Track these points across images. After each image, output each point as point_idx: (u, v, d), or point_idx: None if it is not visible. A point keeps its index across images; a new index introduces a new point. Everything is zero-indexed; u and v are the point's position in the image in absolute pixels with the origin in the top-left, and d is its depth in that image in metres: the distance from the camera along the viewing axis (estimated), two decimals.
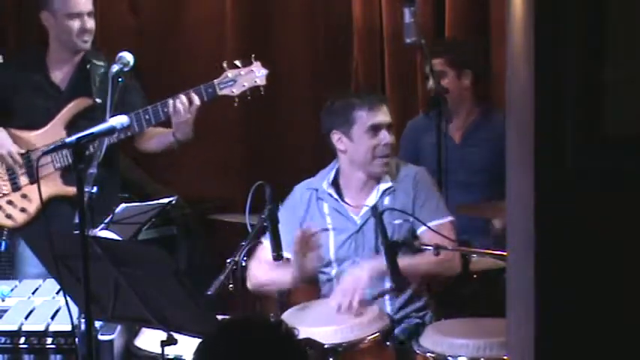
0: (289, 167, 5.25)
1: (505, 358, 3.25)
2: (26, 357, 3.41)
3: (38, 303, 3.61)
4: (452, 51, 4.68)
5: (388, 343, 3.54)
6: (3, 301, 3.67)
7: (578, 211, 1.82)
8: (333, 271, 3.89)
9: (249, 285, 3.87)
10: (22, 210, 4.30)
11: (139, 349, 3.46)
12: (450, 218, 3.83)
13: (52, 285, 3.70)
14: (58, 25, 4.31)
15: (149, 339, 3.39)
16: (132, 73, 4.26)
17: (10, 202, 4.32)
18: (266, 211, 3.43)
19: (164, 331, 2.96)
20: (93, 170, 3.75)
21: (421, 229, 3.73)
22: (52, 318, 3.46)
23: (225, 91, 4.19)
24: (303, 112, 5.38)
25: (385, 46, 5.27)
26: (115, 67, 4.01)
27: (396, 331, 3.72)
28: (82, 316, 2.95)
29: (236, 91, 4.20)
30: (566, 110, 1.81)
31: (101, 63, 4.33)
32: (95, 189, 3.66)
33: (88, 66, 4.34)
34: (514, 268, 2.10)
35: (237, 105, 4.23)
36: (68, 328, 3.16)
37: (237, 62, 4.21)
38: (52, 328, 3.40)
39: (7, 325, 3.43)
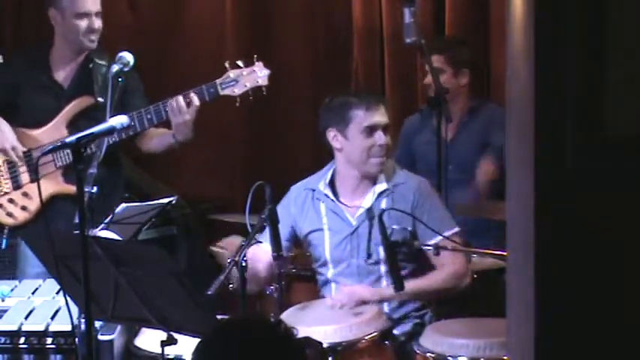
0: (289, 167, 5.25)
1: (505, 358, 3.25)
2: (26, 357, 3.41)
3: (38, 303, 3.61)
4: (451, 49, 4.69)
5: (387, 342, 3.54)
6: (3, 301, 3.67)
7: (578, 211, 1.82)
8: (329, 272, 3.90)
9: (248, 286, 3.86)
10: (23, 208, 4.30)
11: (139, 349, 3.46)
12: (456, 229, 3.82)
13: (52, 285, 3.71)
14: (65, 24, 4.31)
15: (149, 339, 3.39)
16: (134, 75, 4.27)
17: (11, 200, 4.32)
18: (266, 211, 3.43)
19: (164, 331, 2.96)
20: (93, 170, 3.75)
21: (436, 239, 3.66)
22: (52, 318, 3.46)
23: (227, 91, 4.19)
24: (303, 112, 5.38)
25: (385, 46, 5.27)
26: (115, 67, 4.02)
27: (396, 330, 3.72)
28: (82, 316, 2.95)
29: (238, 91, 4.19)
30: (566, 110, 1.81)
31: (104, 62, 4.34)
32: (95, 189, 3.66)
33: (90, 65, 4.35)
34: (514, 268, 2.10)
35: (238, 105, 4.22)
36: (68, 328, 3.16)
37: (240, 62, 4.21)
38: (52, 328, 3.40)
39: (7, 325, 3.43)
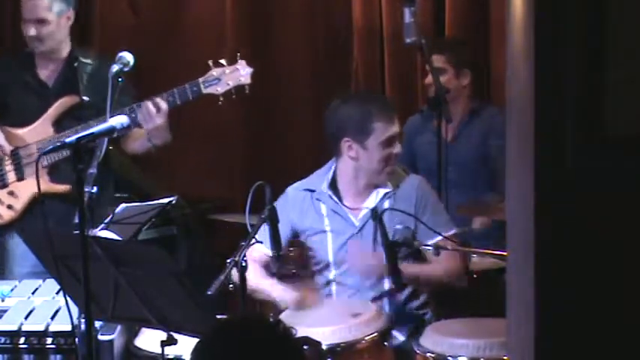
0: (289, 167, 5.25)
1: (505, 358, 3.24)
2: (26, 357, 3.41)
3: (38, 303, 3.61)
4: (452, 49, 4.69)
5: (386, 343, 3.54)
6: (3, 301, 3.67)
7: (578, 211, 1.82)
8: (332, 274, 3.89)
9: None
10: (9, 207, 4.30)
11: (139, 349, 3.46)
12: (454, 231, 3.82)
13: (52, 285, 3.70)
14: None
15: (149, 339, 3.39)
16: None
17: None
18: (266, 211, 3.43)
19: (164, 331, 2.96)
20: (93, 170, 3.74)
21: (435, 239, 3.67)
22: (52, 318, 3.46)
23: (210, 90, 4.14)
24: (303, 112, 5.38)
25: (385, 46, 5.27)
26: (115, 67, 4.00)
27: (396, 330, 3.72)
28: (82, 316, 2.95)
29: (220, 89, 4.14)
30: (566, 110, 1.81)
31: (89, 61, 4.34)
32: (95, 189, 3.66)
33: (75, 64, 4.35)
34: (514, 268, 2.10)
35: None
36: (68, 328, 3.15)
37: (223, 61, 4.18)
38: (52, 328, 3.40)
39: (7, 325, 3.43)
